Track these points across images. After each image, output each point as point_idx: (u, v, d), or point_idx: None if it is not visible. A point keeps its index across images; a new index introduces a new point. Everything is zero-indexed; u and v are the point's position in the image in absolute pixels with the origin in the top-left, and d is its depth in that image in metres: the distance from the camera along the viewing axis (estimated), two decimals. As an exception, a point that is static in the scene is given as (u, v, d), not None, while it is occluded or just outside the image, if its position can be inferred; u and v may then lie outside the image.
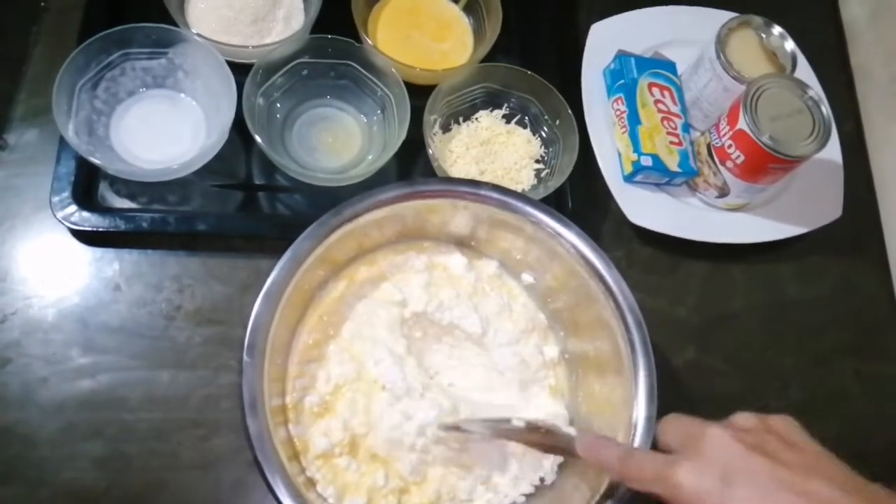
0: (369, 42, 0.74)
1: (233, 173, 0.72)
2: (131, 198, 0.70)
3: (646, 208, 0.76)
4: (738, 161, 0.71)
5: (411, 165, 0.75)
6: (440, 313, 0.63)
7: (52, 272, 0.67)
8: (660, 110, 0.77)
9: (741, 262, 0.79)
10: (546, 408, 0.63)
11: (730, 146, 0.71)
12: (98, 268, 0.68)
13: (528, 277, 0.67)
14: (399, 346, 0.61)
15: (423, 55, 0.78)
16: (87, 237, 0.68)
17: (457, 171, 0.74)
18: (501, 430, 0.56)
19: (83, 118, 0.67)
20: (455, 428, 0.57)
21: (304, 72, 0.73)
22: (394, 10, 0.80)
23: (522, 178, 0.75)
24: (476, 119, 0.77)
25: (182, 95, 0.72)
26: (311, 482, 0.57)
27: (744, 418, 0.44)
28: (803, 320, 0.78)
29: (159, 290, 0.68)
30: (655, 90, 0.77)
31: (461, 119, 0.77)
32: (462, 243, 0.68)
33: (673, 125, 0.76)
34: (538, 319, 0.67)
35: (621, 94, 0.77)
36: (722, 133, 0.72)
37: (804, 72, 0.82)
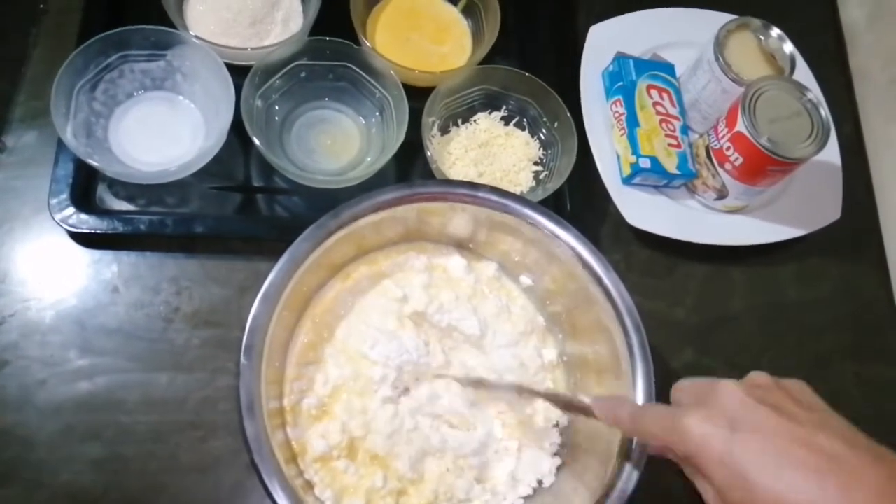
0: (368, 44, 0.74)
1: (231, 175, 0.72)
2: (129, 200, 0.70)
3: (644, 210, 0.76)
4: (737, 163, 0.71)
5: (410, 167, 0.75)
6: (440, 315, 0.63)
7: (51, 274, 0.67)
8: (658, 112, 0.77)
9: (740, 264, 0.79)
10: (544, 411, 0.63)
11: (728, 148, 0.71)
12: (96, 270, 0.68)
13: (526, 280, 0.67)
14: (391, 324, 0.62)
15: (421, 57, 0.78)
16: (86, 239, 0.68)
17: (455, 173, 0.74)
18: (524, 388, 0.59)
19: (82, 120, 0.68)
20: (478, 382, 0.60)
21: (303, 74, 0.73)
22: (392, 12, 0.80)
23: (521, 180, 0.75)
24: (474, 121, 0.77)
25: (180, 97, 0.72)
26: (309, 485, 0.57)
27: (758, 375, 0.44)
28: (802, 322, 0.78)
29: (157, 292, 0.68)
30: (654, 92, 0.77)
31: (460, 121, 0.77)
32: (461, 245, 0.68)
33: (671, 127, 0.76)
34: (537, 322, 0.67)
35: (620, 96, 0.77)
36: (720, 135, 0.72)
37: (803, 74, 0.82)
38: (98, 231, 0.66)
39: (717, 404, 0.42)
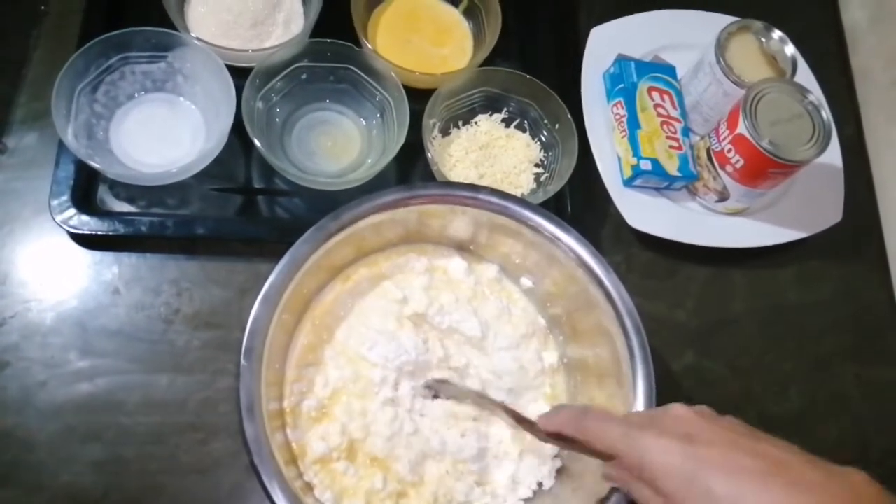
0: (369, 46, 0.74)
1: (232, 177, 0.72)
2: (130, 201, 0.70)
3: (645, 212, 0.75)
4: (738, 165, 0.71)
5: (410, 169, 0.75)
6: (440, 317, 0.63)
7: (51, 276, 0.67)
8: (659, 114, 0.77)
9: (741, 267, 0.79)
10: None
11: (729, 150, 0.71)
12: (97, 271, 0.68)
13: (527, 282, 0.67)
14: (391, 326, 0.62)
15: (422, 59, 0.78)
16: (86, 241, 0.68)
17: (456, 174, 0.74)
18: (482, 396, 0.60)
19: (82, 122, 0.68)
20: (443, 382, 0.60)
21: (304, 76, 0.73)
22: (393, 14, 0.81)
23: (522, 182, 0.75)
24: (475, 123, 0.77)
25: (181, 99, 0.72)
26: (309, 487, 0.57)
27: (704, 407, 0.47)
28: (803, 324, 0.78)
29: (158, 293, 0.68)
30: (655, 94, 0.77)
31: (460, 123, 0.77)
32: (462, 247, 0.68)
33: (673, 129, 0.76)
34: (538, 324, 0.67)
35: (621, 98, 0.77)
36: (722, 137, 0.72)
37: (804, 76, 0.82)
38: (99, 232, 0.66)
39: (670, 421, 0.45)
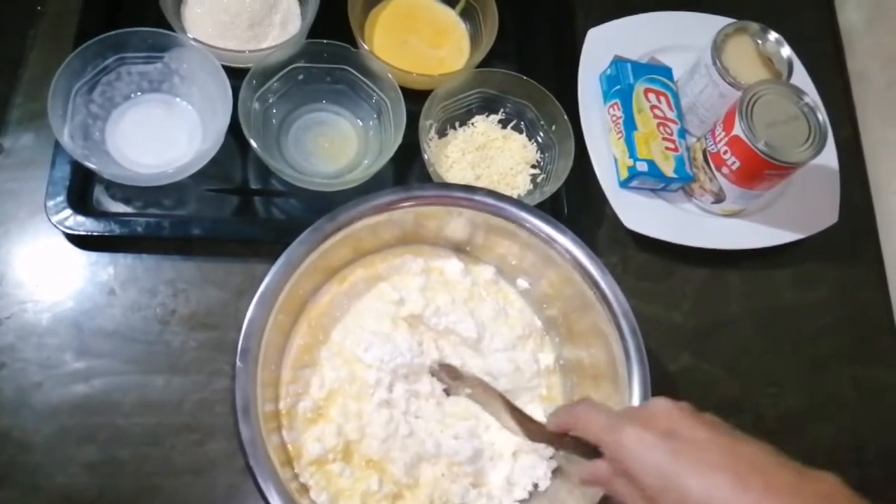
0: (365, 47, 0.74)
1: (228, 178, 0.72)
2: (126, 202, 0.70)
3: (641, 214, 0.75)
4: (734, 167, 0.71)
5: (407, 170, 0.75)
6: (436, 318, 0.63)
7: (47, 276, 0.67)
8: (656, 116, 0.77)
9: (737, 268, 0.79)
10: (537, 416, 0.63)
11: (725, 152, 0.71)
12: (93, 272, 0.68)
13: (523, 283, 0.67)
14: (387, 327, 0.62)
15: (419, 60, 0.78)
16: (82, 241, 0.68)
17: (453, 176, 0.74)
18: (486, 385, 0.59)
19: (79, 122, 0.68)
20: (446, 367, 0.60)
21: (301, 76, 0.73)
22: (390, 15, 0.80)
23: (518, 183, 0.75)
24: (472, 124, 0.77)
25: (178, 100, 0.72)
26: (305, 488, 0.57)
27: (685, 403, 0.47)
28: (799, 326, 0.78)
29: (154, 294, 0.68)
30: (651, 96, 0.77)
31: (457, 124, 0.77)
32: (459, 248, 0.68)
33: (669, 131, 0.76)
34: (534, 325, 0.67)
35: (617, 100, 0.77)
36: (718, 139, 0.72)
37: (801, 77, 0.82)
38: (95, 233, 0.66)
39: (651, 417, 0.46)
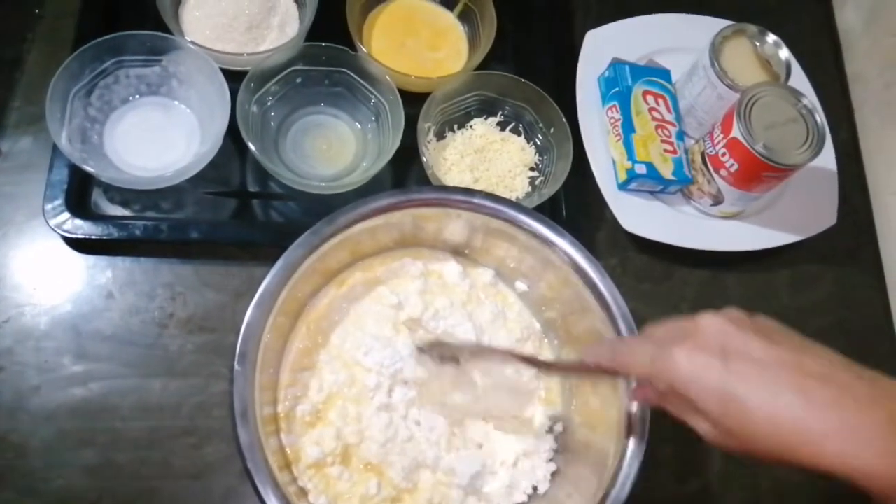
0: (364, 50, 0.74)
1: (226, 181, 0.72)
2: (125, 205, 0.70)
3: (640, 216, 0.75)
4: (732, 169, 0.71)
5: (405, 173, 0.75)
6: (435, 321, 0.63)
7: (45, 280, 0.67)
8: (654, 118, 0.77)
9: (736, 270, 0.79)
10: (537, 418, 0.63)
11: (724, 154, 0.71)
12: (91, 275, 0.68)
13: (522, 286, 0.67)
14: (386, 331, 0.62)
15: (417, 63, 0.78)
16: (80, 245, 0.68)
17: (451, 178, 0.74)
18: (485, 349, 0.58)
19: (77, 125, 0.67)
20: (437, 344, 0.59)
21: (299, 79, 0.73)
22: (388, 17, 0.81)
23: (517, 185, 0.75)
24: (470, 127, 0.77)
25: (176, 103, 0.72)
26: (303, 492, 0.57)
27: (734, 310, 0.45)
28: (797, 328, 0.77)
29: (152, 297, 0.68)
30: (650, 98, 0.77)
31: (456, 127, 0.77)
32: (457, 251, 0.68)
33: (667, 133, 0.76)
34: (533, 328, 0.67)
35: (616, 102, 0.77)
36: (716, 141, 0.72)
37: (799, 79, 0.82)
38: (93, 237, 0.66)
39: (702, 336, 0.42)
